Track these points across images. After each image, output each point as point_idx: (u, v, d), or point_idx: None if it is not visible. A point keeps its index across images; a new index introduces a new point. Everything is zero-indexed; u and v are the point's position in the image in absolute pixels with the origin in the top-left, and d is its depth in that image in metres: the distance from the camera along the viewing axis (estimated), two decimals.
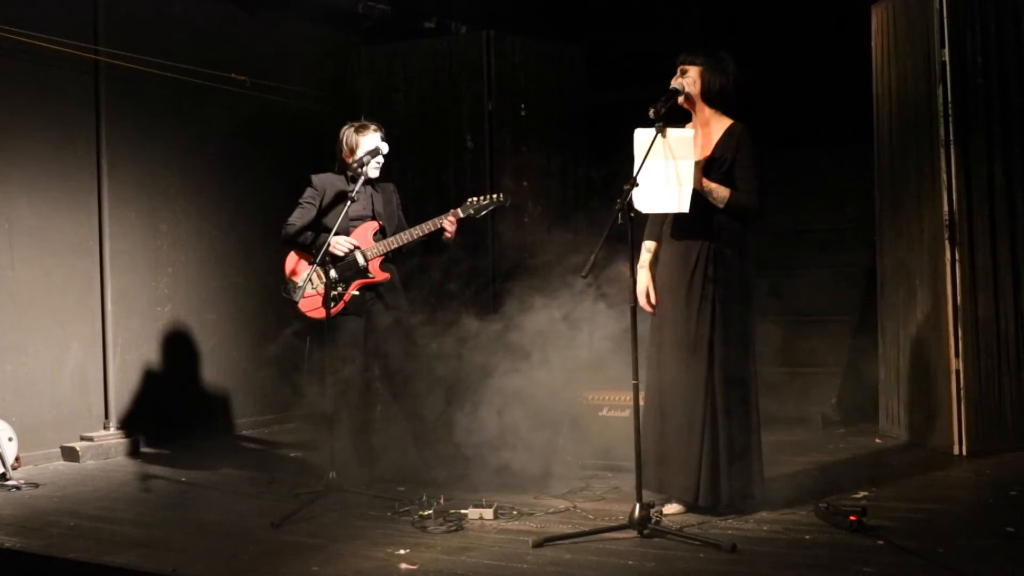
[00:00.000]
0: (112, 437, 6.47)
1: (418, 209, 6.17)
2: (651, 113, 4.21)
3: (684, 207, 4.23)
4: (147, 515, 4.80)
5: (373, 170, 5.22)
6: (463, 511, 4.45)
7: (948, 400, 5.60)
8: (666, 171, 4.21)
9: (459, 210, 5.25)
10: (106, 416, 6.56)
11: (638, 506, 4.04)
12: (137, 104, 6.73)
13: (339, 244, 5.20)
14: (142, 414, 6.71)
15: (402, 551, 3.97)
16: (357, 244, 5.26)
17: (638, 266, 4.50)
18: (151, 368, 6.83)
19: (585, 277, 4.15)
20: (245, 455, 6.50)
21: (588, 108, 7.79)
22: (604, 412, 5.54)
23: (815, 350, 7.13)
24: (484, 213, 5.31)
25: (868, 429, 6.43)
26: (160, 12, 6.89)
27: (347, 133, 5.31)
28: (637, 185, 4.10)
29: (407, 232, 5.27)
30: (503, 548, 3.99)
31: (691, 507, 4.39)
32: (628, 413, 4.96)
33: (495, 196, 5.32)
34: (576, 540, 4.03)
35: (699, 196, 4.29)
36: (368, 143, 5.24)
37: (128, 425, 6.62)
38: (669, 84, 4.43)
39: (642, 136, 4.24)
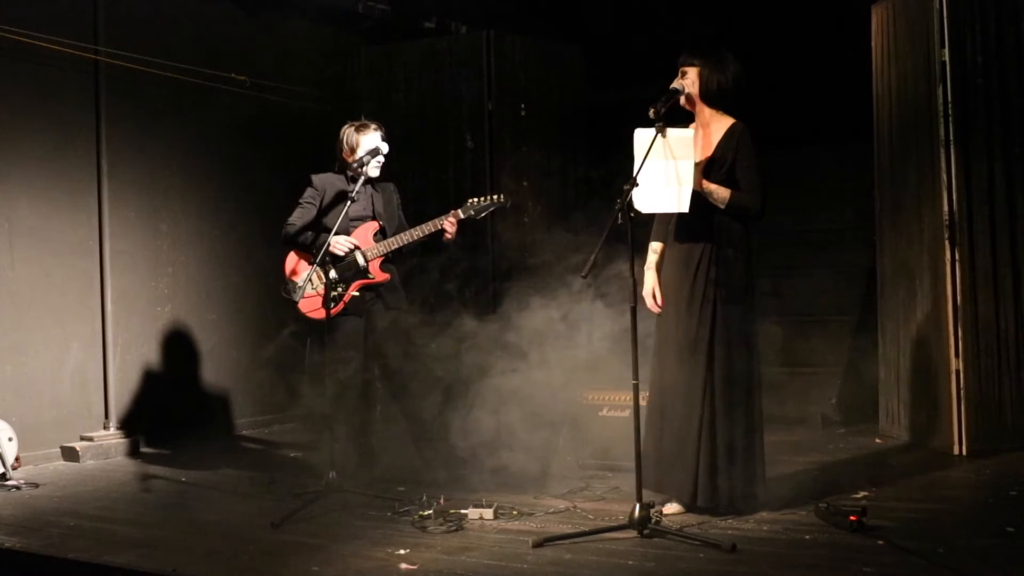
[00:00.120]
0: (112, 437, 6.47)
1: (418, 209, 6.17)
2: (651, 113, 4.21)
3: (684, 207, 4.23)
4: (147, 515, 4.80)
5: (373, 170, 5.22)
6: (463, 511, 4.45)
7: (948, 400, 5.60)
8: (666, 171, 4.21)
9: (459, 211, 5.25)
10: (106, 416, 6.56)
11: (638, 506, 4.04)
12: (137, 104, 6.74)
13: (339, 244, 5.20)
14: (142, 414, 6.71)
15: (402, 551, 3.96)
16: (357, 244, 5.26)
17: (645, 267, 4.53)
18: (151, 368, 6.83)
19: (585, 277, 4.14)
20: (245, 455, 6.51)
21: (588, 108, 7.79)
22: (604, 412, 5.54)
23: (815, 350, 7.13)
24: (484, 214, 5.31)
25: (868, 429, 6.43)
26: (160, 12, 6.89)
27: (347, 132, 5.31)
28: (637, 185, 4.10)
29: (407, 233, 5.27)
30: (503, 548, 3.99)
31: (690, 507, 4.39)
32: (628, 413, 4.96)
33: (496, 197, 5.32)
34: (576, 540, 4.03)
35: (700, 197, 4.29)
36: (368, 142, 5.24)
37: (128, 425, 6.62)
38: (669, 84, 4.44)
39: (642, 136, 4.24)
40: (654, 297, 4.50)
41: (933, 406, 5.75)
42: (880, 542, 3.85)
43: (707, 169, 4.37)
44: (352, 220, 5.26)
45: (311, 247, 5.23)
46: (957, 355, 5.59)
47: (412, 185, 7.13)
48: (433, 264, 6.22)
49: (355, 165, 5.18)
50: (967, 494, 4.81)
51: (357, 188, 5.07)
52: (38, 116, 6.25)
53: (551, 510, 4.58)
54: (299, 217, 5.31)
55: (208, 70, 7.09)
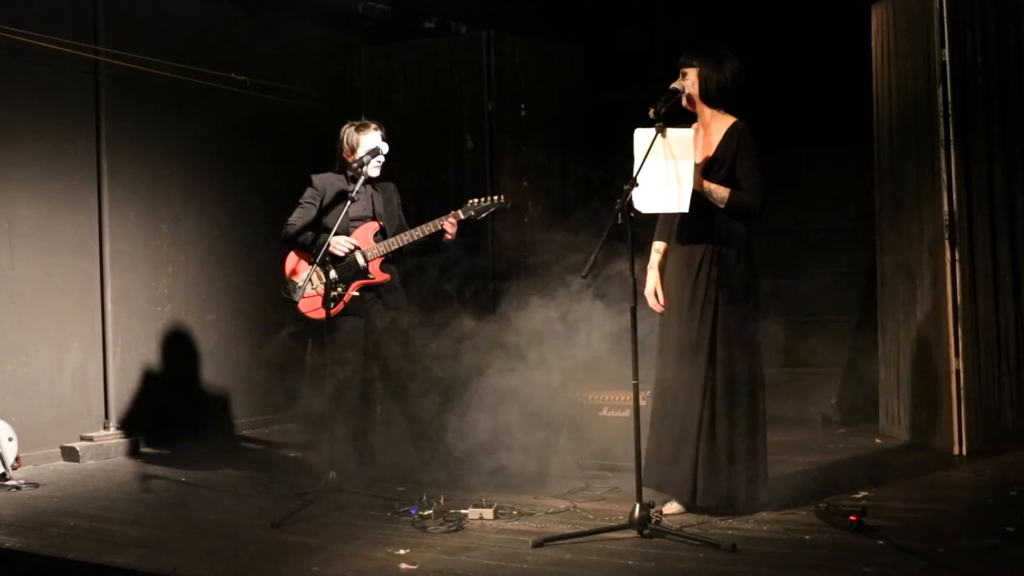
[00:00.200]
0: (112, 437, 6.47)
1: (418, 209, 6.18)
2: (651, 113, 4.22)
3: (684, 207, 4.24)
4: (147, 515, 4.80)
5: (373, 169, 5.22)
6: (463, 511, 4.45)
7: (948, 400, 5.60)
8: (666, 171, 4.21)
9: (460, 212, 5.24)
10: (106, 416, 6.56)
11: (638, 506, 4.04)
12: (137, 104, 6.73)
13: (339, 244, 5.20)
14: (142, 414, 6.71)
15: (402, 551, 3.96)
16: (357, 244, 5.26)
17: (648, 266, 4.54)
18: (151, 368, 6.83)
19: (585, 277, 4.15)
20: (245, 455, 6.51)
21: (588, 108, 7.79)
22: (604, 412, 5.54)
23: (815, 350, 7.13)
24: (485, 215, 5.31)
25: (868, 429, 6.43)
26: (160, 12, 6.89)
27: (348, 132, 5.31)
28: (637, 185, 4.10)
29: (407, 233, 5.27)
30: (503, 548, 3.99)
31: (689, 507, 4.39)
32: (628, 413, 4.96)
33: (496, 198, 5.31)
34: (576, 540, 4.03)
35: (700, 197, 4.29)
36: (369, 142, 5.24)
37: (128, 425, 6.62)
38: (669, 84, 4.44)
39: (642, 136, 4.24)
40: (656, 296, 4.51)
41: (933, 406, 5.75)
42: (880, 542, 3.85)
43: (708, 169, 4.37)
44: (352, 220, 5.26)
45: (311, 247, 5.23)
46: (957, 355, 5.59)
47: (412, 185, 7.13)
48: (433, 264, 6.23)
49: (355, 165, 5.18)
50: (967, 494, 4.81)
51: (357, 188, 5.07)
52: (38, 116, 6.25)
53: (551, 510, 4.58)
54: (299, 217, 5.31)
55: (208, 70, 7.09)
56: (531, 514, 4.50)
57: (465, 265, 6.66)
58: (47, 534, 4.42)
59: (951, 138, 5.63)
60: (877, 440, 6.18)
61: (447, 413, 5.36)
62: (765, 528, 4.15)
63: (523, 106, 7.40)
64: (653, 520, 4.07)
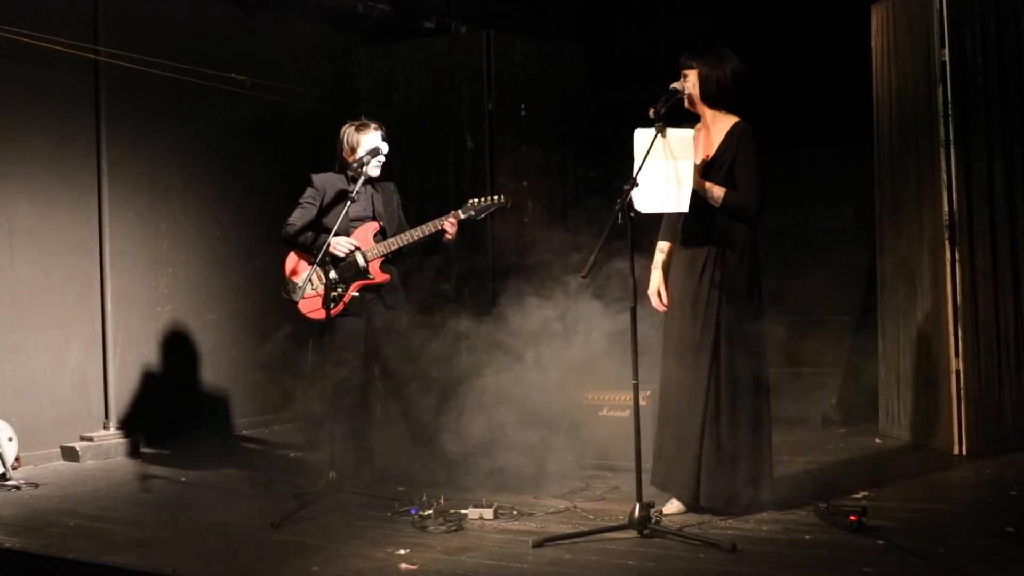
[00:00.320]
0: (112, 437, 6.47)
1: (418, 209, 6.18)
2: (651, 113, 4.22)
3: (684, 207, 4.24)
4: (147, 515, 4.80)
5: (374, 169, 5.21)
6: (463, 511, 4.45)
7: (948, 400, 5.60)
8: (666, 171, 4.22)
9: (460, 211, 5.24)
10: (106, 416, 6.56)
11: (638, 506, 4.04)
12: (137, 104, 6.74)
13: (339, 245, 5.19)
14: (142, 414, 6.71)
15: (402, 551, 3.96)
16: (357, 245, 5.25)
17: (652, 266, 4.55)
18: (151, 368, 6.83)
19: (585, 277, 4.15)
20: (245, 455, 6.51)
21: (588, 108, 7.79)
22: (604, 412, 5.53)
23: (815, 350, 7.13)
24: (485, 215, 5.31)
25: (868, 429, 6.43)
26: (160, 12, 6.90)
27: (348, 132, 5.31)
28: (637, 185, 4.10)
29: (407, 233, 5.27)
30: (503, 548, 3.99)
31: (692, 507, 4.39)
32: (628, 413, 4.96)
33: (496, 198, 5.31)
34: (576, 540, 4.03)
35: (699, 197, 4.29)
36: (369, 142, 5.24)
37: (128, 425, 6.62)
38: (669, 84, 4.44)
39: (642, 136, 4.24)
40: (659, 296, 4.51)
41: (933, 406, 5.75)
42: (880, 542, 3.85)
43: (708, 169, 4.37)
44: (352, 220, 5.25)
45: (311, 247, 5.23)
46: (957, 355, 5.59)
47: (412, 185, 7.13)
48: (433, 264, 6.23)
49: (355, 165, 5.18)
50: (967, 494, 4.81)
51: (357, 188, 5.06)
52: (38, 116, 6.25)
53: (551, 510, 4.58)
54: (299, 217, 5.31)
55: (208, 70, 7.09)
56: (531, 514, 4.50)
57: (465, 265, 6.66)
58: (47, 534, 4.42)
59: (951, 138, 5.62)
60: (877, 440, 6.18)
61: (447, 413, 5.36)
62: (765, 528, 4.15)
63: (523, 106, 7.40)
64: (653, 520, 4.07)
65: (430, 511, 4.44)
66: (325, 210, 5.28)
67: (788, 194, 7.54)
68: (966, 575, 3.46)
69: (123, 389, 6.66)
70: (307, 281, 5.08)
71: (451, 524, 4.30)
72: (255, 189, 7.41)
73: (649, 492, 4.26)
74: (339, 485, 4.81)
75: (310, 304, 5.19)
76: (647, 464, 4.37)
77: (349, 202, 5.02)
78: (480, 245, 7.07)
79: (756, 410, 4.36)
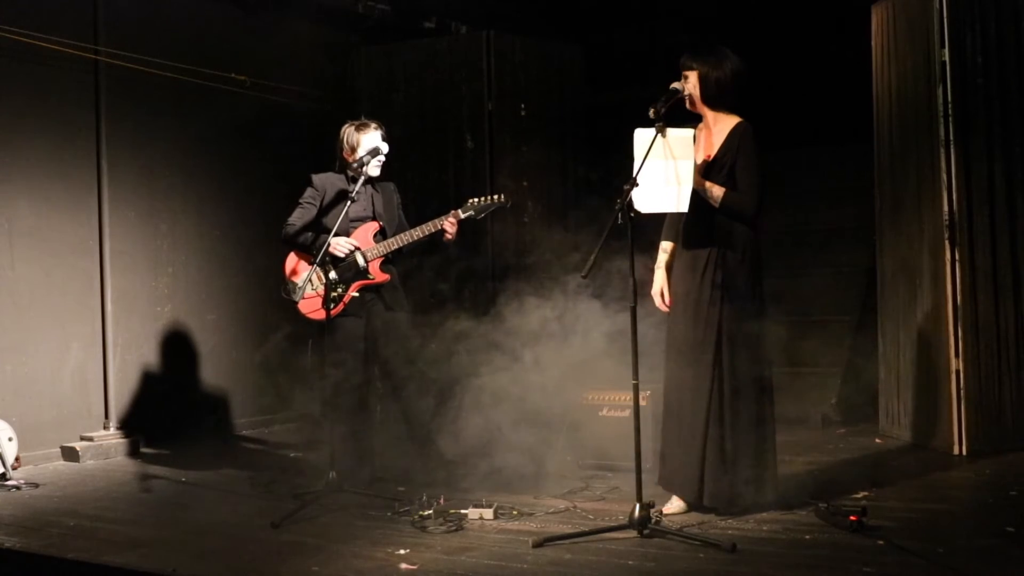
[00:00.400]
0: (112, 437, 6.47)
1: (418, 209, 6.17)
2: (651, 113, 4.22)
3: (683, 207, 4.24)
4: (147, 515, 4.80)
5: (374, 169, 5.21)
6: (463, 511, 4.45)
7: (948, 400, 5.60)
8: (666, 171, 4.22)
9: (460, 211, 5.24)
10: (106, 416, 6.56)
11: (638, 506, 4.03)
12: (137, 104, 6.74)
13: (339, 245, 5.19)
14: (142, 414, 6.71)
15: (402, 551, 3.96)
16: (357, 245, 5.25)
17: (655, 266, 4.56)
18: (151, 368, 6.83)
19: (585, 277, 4.15)
20: (245, 455, 6.51)
21: (588, 108, 7.79)
22: (604, 412, 5.53)
23: (815, 350, 7.13)
24: (485, 214, 5.31)
25: (868, 429, 6.43)
26: (160, 12, 6.89)
27: (348, 131, 5.31)
28: (637, 185, 4.10)
29: (407, 233, 5.27)
30: (503, 548, 3.99)
31: (695, 506, 4.39)
32: (628, 413, 4.96)
33: (496, 197, 5.31)
34: (576, 540, 4.03)
35: (699, 197, 4.30)
36: (369, 141, 5.23)
37: (128, 425, 6.62)
38: (669, 84, 4.44)
39: (642, 136, 4.24)
40: (662, 296, 4.52)
41: (933, 406, 5.75)
42: (880, 542, 3.85)
43: (709, 169, 4.37)
44: (352, 220, 5.25)
45: (311, 247, 5.22)
46: (957, 355, 5.59)
47: (412, 185, 7.13)
48: (432, 264, 6.23)
49: (355, 165, 5.18)
50: (967, 494, 4.81)
51: (357, 188, 5.06)
52: (38, 116, 6.25)
53: (551, 510, 4.58)
54: (299, 217, 5.30)
55: (208, 70, 7.09)
56: (531, 514, 4.50)
57: (464, 265, 6.65)
58: (47, 534, 4.42)
59: (951, 138, 5.62)
60: (877, 440, 6.17)
61: (447, 413, 5.36)
62: (765, 528, 4.15)
63: (523, 106, 7.39)
64: (653, 520, 4.07)
65: (430, 511, 4.44)
66: (325, 210, 5.27)
67: (788, 194, 7.55)
68: (966, 575, 3.46)
69: (123, 389, 6.66)
70: (307, 281, 5.08)
71: (451, 524, 4.30)
72: (255, 189, 7.41)
73: (649, 492, 4.25)
74: (339, 485, 4.81)
75: (310, 304, 5.18)
76: (647, 464, 4.37)
77: (349, 202, 5.02)
78: (480, 245, 7.07)
79: (758, 410, 4.36)
